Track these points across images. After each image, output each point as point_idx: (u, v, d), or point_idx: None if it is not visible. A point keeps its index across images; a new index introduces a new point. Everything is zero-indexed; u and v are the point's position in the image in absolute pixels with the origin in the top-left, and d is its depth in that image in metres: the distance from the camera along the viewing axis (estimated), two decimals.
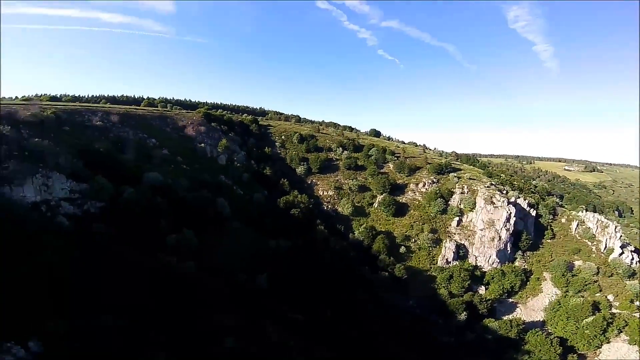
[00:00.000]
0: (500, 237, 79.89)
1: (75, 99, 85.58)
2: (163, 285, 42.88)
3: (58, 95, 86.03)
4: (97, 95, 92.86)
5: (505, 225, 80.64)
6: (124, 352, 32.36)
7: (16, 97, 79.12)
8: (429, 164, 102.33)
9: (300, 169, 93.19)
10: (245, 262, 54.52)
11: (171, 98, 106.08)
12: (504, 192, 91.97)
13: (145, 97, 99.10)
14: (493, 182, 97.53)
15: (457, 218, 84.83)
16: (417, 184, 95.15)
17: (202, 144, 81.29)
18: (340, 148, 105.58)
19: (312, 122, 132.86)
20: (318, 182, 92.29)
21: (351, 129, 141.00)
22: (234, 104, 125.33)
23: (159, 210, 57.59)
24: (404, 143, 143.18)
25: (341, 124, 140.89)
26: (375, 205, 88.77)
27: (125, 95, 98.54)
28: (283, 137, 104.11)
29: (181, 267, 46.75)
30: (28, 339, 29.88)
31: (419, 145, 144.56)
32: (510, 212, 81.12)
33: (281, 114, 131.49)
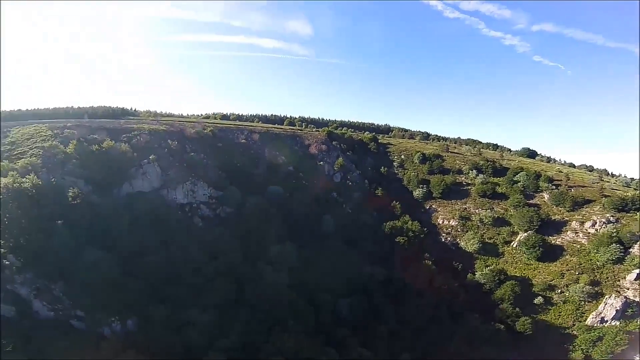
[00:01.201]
0: None
1: (238, 117, 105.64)
2: (251, 291, 44.15)
3: (227, 114, 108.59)
4: (254, 114, 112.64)
5: None
6: (194, 343, 34.12)
7: (199, 115, 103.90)
8: (606, 196, 73.14)
9: (417, 192, 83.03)
10: (334, 283, 51.73)
11: (307, 117, 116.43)
12: None
13: (289, 116, 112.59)
14: None
15: (637, 270, 57.18)
16: (582, 223, 69.56)
17: (321, 162, 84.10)
18: (474, 170, 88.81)
19: (445, 139, 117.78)
20: (438, 209, 79.82)
21: (495, 146, 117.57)
22: (360, 121, 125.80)
23: (271, 220, 61.19)
24: (573, 167, 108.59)
25: (483, 141, 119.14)
26: (515, 244, 69.63)
27: (274, 114, 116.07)
28: (402, 156, 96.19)
29: (273, 278, 47.57)
30: (129, 317, 35.55)
31: (596, 170, 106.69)
32: None
33: (406, 130, 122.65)
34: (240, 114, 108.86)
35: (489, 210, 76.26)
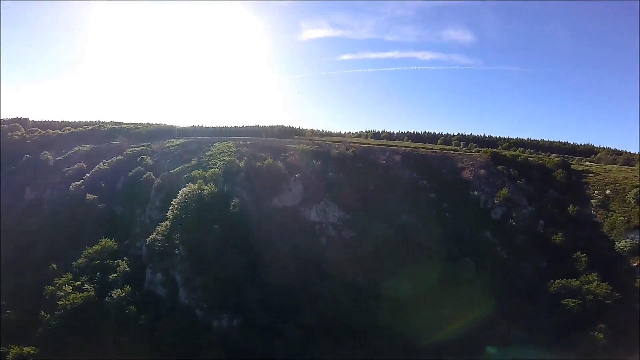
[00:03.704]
0: None
1: (388, 135, 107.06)
2: (342, 322, 45.45)
3: (379, 132, 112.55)
4: (404, 132, 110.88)
5: None
6: (276, 357, 38.58)
7: (353, 133, 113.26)
8: None
9: (623, 244, 57.84)
10: (448, 336, 45.09)
11: (469, 134, 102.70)
12: None
13: (444, 133, 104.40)
14: None
15: None
16: None
17: (476, 192, 72.65)
18: None
19: None
20: None
21: None
22: (545, 140, 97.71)
23: (393, 252, 59.41)
24: None
25: None
26: None
27: (426, 131, 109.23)
28: (608, 191, 68.13)
29: (371, 313, 47.05)
30: (236, 317, 44.06)
31: None
32: None
33: (619, 153, 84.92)
34: (391, 132, 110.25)
35: None
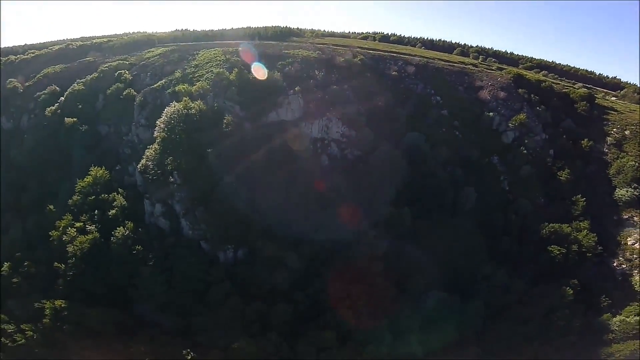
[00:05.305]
0: None
1: (399, 39, 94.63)
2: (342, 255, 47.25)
3: (388, 34, 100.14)
4: (417, 37, 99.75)
5: None
6: (279, 288, 41.01)
7: (360, 33, 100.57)
8: None
9: (622, 192, 57.08)
10: (434, 270, 47.55)
11: (489, 48, 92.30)
12: None
13: (462, 43, 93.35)
14: None
15: None
16: None
17: (491, 113, 68.87)
18: None
19: None
20: None
21: None
22: (571, 66, 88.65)
23: (397, 175, 58.22)
24: None
25: None
26: None
27: (441, 39, 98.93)
28: (626, 131, 65.02)
29: (367, 245, 48.70)
30: (241, 248, 44.89)
31: None
32: None
33: None
34: (402, 36, 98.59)
35: None
